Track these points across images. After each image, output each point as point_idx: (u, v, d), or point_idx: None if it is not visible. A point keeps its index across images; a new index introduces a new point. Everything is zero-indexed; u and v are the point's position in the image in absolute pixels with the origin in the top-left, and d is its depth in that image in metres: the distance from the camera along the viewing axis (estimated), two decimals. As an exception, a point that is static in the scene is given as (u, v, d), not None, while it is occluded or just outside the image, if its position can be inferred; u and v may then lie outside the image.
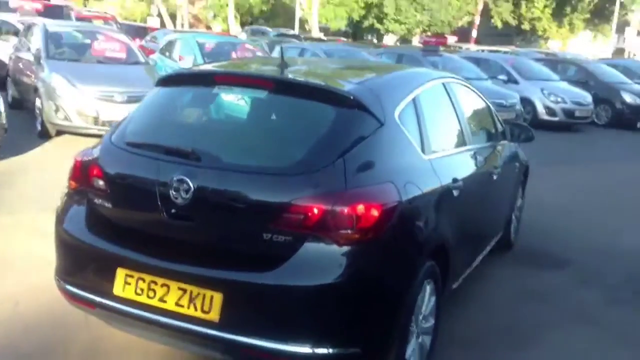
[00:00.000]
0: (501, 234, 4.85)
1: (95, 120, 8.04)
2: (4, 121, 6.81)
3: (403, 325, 2.80)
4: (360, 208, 2.55)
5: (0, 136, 6.80)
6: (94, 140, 6.87)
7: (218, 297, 2.56)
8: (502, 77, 13.81)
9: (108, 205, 2.90)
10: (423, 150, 3.16)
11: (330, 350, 2.55)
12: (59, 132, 8.38)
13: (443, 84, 3.85)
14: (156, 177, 2.74)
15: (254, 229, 2.60)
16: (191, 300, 2.60)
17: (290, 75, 3.31)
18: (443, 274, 3.22)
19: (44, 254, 4.40)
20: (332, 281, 2.54)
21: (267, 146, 2.92)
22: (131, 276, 2.71)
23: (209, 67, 3.95)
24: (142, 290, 2.69)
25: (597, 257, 5.37)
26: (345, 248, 2.55)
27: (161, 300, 2.65)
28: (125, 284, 2.72)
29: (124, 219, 2.93)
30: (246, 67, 3.91)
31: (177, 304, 2.61)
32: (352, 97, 2.91)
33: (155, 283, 2.66)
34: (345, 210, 2.53)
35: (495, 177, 4.22)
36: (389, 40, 40.95)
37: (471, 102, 4.30)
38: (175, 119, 3.33)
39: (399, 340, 2.79)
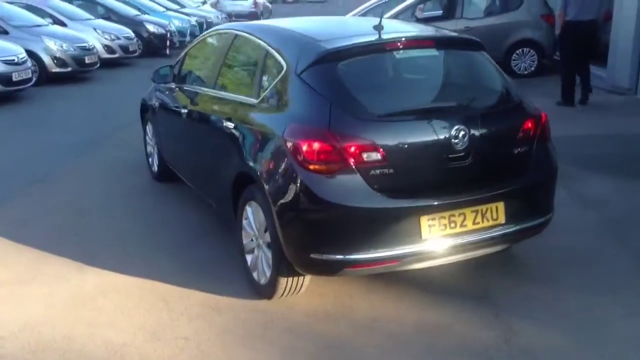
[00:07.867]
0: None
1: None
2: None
3: None
4: (543, 117, 3.61)
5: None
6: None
7: (501, 205, 3.32)
8: None
9: (390, 171, 3.11)
10: None
11: (548, 216, 3.63)
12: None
13: None
14: (435, 134, 3.18)
15: (509, 147, 3.45)
16: (483, 215, 3.28)
17: (441, 33, 4.09)
18: None
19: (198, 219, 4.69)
20: (552, 168, 3.62)
21: (484, 89, 3.77)
22: (433, 219, 3.16)
23: (359, 40, 3.62)
24: (444, 226, 3.19)
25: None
26: (548, 144, 3.62)
27: (462, 225, 3.24)
28: (430, 227, 3.16)
29: (411, 176, 3.23)
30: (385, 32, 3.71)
31: (474, 223, 3.27)
32: (481, 43, 3.82)
33: (454, 215, 3.22)
34: (542, 120, 3.58)
35: None
36: None
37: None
38: (393, 85, 3.68)
39: None
